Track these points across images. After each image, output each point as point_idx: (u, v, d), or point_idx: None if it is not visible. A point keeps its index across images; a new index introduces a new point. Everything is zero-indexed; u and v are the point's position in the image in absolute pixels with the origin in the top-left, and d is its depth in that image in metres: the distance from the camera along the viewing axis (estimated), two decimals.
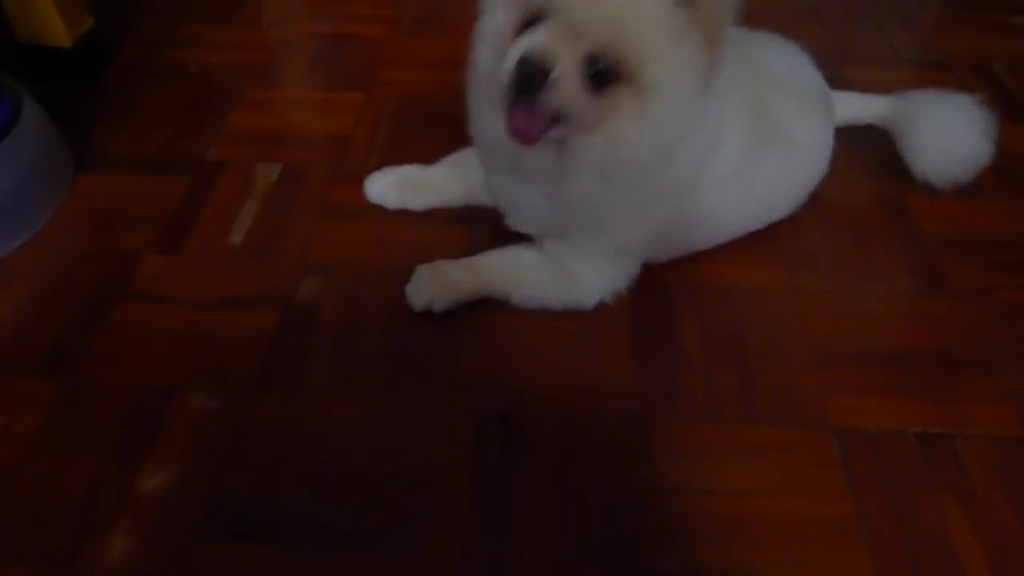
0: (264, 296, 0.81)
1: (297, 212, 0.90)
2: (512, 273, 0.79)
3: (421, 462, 0.67)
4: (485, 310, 0.79)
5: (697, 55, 0.62)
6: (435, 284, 0.78)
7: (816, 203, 0.90)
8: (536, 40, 0.61)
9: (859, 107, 0.96)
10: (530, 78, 0.60)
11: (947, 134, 0.89)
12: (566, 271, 0.78)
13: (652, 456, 0.67)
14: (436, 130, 1.01)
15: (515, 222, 0.81)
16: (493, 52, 0.65)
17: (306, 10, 1.30)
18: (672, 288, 0.82)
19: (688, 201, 0.75)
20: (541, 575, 0.60)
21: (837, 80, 0.93)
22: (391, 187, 0.90)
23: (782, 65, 0.86)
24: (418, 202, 0.90)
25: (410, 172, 0.91)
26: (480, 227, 0.87)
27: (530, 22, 0.62)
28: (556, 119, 0.63)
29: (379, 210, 0.90)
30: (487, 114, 0.69)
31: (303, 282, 0.82)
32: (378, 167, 0.94)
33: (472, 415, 0.71)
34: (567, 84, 0.61)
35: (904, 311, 0.81)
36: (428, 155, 0.94)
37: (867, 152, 0.98)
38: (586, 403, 0.72)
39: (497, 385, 0.73)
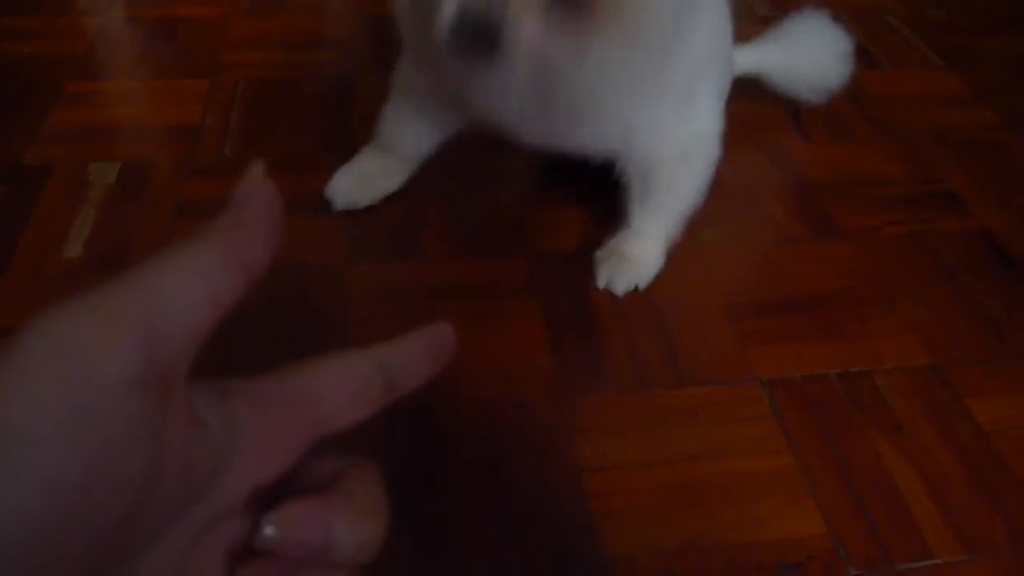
0: None
1: (144, 214, 0.79)
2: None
3: None
4: (369, 300, 0.72)
5: None
6: None
7: None
8: None
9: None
10: (479, 41, 0.46)
11: (813, 57, 0.95)
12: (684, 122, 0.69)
13: (585, 434, 0.63)
14: (297, 112, 0.92)
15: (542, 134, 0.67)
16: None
17: None
18: (575, 257, 0.77)
19: None
20: None
21: None
22: (355, 186, 0.79)
23: None
24: (390, 183, 0.80)
25: (368, 162, 0.80)
26: (360, 218, 0.79)
27: None
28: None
29: None
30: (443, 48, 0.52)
31: None
32: (235, 156, 0.84)
33: (378, 416, 0.63)
34: (520, 46, 0.47)
35: (802, 255, 0.81)
36: (294, 139, 0.85)
37: (740, 106, 0.98)
38: (505, 387, 0.66)
39: None
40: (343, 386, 0.28)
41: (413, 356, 0.31)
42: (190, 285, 0.23)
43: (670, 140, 0.69)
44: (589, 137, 0.68)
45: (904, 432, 0.65)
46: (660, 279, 0.76)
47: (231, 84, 0.96)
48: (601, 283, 0.74)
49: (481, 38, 0.45)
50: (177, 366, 0.22)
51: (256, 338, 0.68)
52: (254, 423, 0.25)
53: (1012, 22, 1.23)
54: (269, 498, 0.25)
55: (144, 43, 1.04)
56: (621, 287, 0.73)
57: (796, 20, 0.95)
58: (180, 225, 0.77)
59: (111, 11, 1.10)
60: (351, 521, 0.25)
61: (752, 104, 0.99)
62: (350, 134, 0.88)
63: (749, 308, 0.74)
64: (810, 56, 0.95)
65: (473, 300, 0.73)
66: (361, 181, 0.79)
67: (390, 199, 0.80)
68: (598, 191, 0.79)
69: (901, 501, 0.60)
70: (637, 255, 0.74)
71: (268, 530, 0.23)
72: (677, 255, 0.78)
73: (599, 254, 0.75)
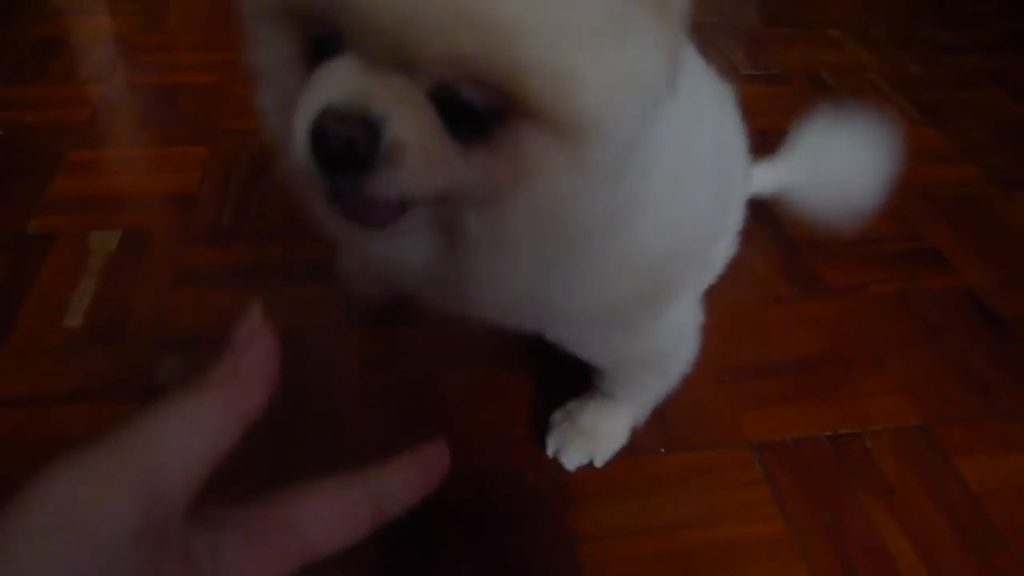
0: (116, 384, 0.70)
1: (144, 283, 0.80)
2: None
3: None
4: (362, 365, 0.73)
5: (651, 54, 0.32)
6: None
7: None
8: (338, 85, 0.32)
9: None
10: (342, 155, 0.31)
11: (843, 174, 0.78)
12: (651, 328, 0.54)
13: (577, 502, 0.63)
14: None
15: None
16: (282, 105, 0.35)
17: (126, 61, 1.18)
18: None
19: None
20: None
21: None
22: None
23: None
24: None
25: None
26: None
27: (325, 48, 0.33)
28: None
29: (243, 269, 0.81)
30: (311, 196, 0.40)
31: (161, 363, 0.72)
32: (233, 223, 0.86)
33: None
34: (413, 151, 0.32)
35: (789, 315, 0.83)
36: (292, 206, 0.86)
37: None
38: (495, 454, 0.67)
39: (396, 446, 0.67)
40: (331, 513, 0.29)
41: (405, 478, 0.31)
42: (189, 437, 0.24)
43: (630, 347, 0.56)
44: (520, 317, 0.50)
45: (895, 495, 0.66)
46: None
47: (230, 151, 0.99)
48: (550, 451, 0.66)
49: (348, 154, 0.31)
50: (175, 512, 0.24)
51: None
52: (243, 551, 0.26)
53: (991, 77, 1.27)
54: None
55: (145, 110, 1.07)
56: (571, 462, 0.64)
57: (817, 128, 0.78)
58: (177, 294, 0.78)
59: (112, 78, 1.13)
60: None
61: None
62: None
63: (738, 370, 0.75)
64: (840, 173, 0.78)
65: (466, 367, 0.74)
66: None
67: None
68: None
69: (892, 566, 0.61)
70: (596, 429, 0.65)
71: None
72: None
73: (555, 417, 0.67)
